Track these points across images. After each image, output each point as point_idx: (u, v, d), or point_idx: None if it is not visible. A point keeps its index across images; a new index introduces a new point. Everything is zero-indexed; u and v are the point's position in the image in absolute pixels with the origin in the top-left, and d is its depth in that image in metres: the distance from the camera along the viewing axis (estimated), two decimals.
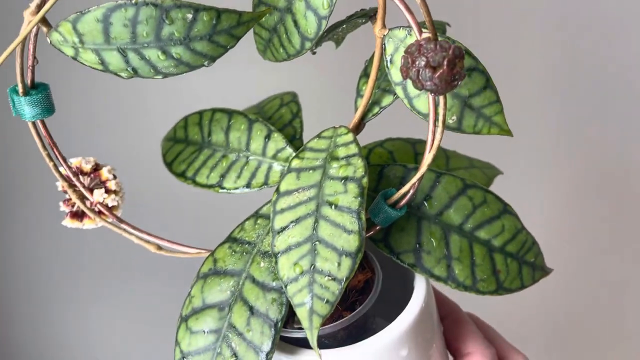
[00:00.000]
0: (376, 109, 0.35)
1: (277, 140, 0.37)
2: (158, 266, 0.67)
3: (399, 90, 0.30)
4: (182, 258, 0.36)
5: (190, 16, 0.27)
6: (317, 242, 0.29)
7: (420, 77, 0.25)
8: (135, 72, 0.29)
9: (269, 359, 0.30)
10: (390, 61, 0.30)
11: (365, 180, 0.30)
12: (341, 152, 0.32)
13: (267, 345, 0.30)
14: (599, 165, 0.72)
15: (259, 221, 0.34)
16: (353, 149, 0.32)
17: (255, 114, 0.39)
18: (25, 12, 0.28)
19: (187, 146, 0.40)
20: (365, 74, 0.36)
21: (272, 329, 0.30)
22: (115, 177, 0.35)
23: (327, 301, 0.29)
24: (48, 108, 0.31)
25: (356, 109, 0.35)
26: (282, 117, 0.41)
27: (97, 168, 0.35)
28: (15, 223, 0.71)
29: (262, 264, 0.32)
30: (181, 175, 0.39)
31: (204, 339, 0.31)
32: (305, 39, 0.31)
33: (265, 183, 0.36)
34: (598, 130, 0.70)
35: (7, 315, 0.76)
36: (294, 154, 0.36)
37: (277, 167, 0.36)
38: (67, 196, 0.36)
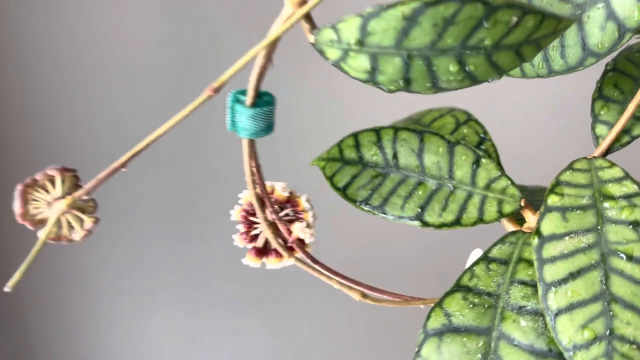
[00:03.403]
0: (625, 139, 0.30)
1: (489, 168, 0.32)
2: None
3: None
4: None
5: (515, 19, 0.21)
6: (611, 302, 0.24)
7: None
8: (406, 85, 0.23)
9: None
10: None
11: None
12: (614, 189, 0.27)
13: None
14: None
15: (491, 266, 0.29)
16: (631, 186, 0.27)
17: (450, 135, 0.34)
18: (288, 1, 0.22)
19: (363, 169, 0.34)
20: (601, 96, 0.31)
21: None
22: (312, 208, 0.29)
23: None
24: (271, 124, 0.25)
25: (596, 136, 0.30)
26: (465, 138, 0.35)
27: (292, 196, 0.29)
28: None
29: (522, 322, 0.26)
30: (364, 203, 0.33)
31: None
32: (591, 54, 0.26)
33: (480, 218, 0.31)
34: None
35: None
36: (509, 184, 0.31)
37: (493, 200, 0.31)
38: (240, 228, 0.29)
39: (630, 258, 0.25)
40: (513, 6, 0.21)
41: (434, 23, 0.21)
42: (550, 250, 0.26)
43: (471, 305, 0.28)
